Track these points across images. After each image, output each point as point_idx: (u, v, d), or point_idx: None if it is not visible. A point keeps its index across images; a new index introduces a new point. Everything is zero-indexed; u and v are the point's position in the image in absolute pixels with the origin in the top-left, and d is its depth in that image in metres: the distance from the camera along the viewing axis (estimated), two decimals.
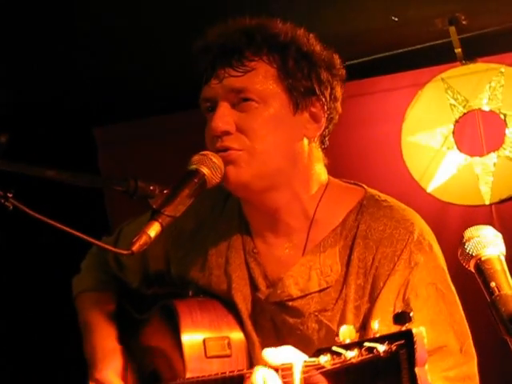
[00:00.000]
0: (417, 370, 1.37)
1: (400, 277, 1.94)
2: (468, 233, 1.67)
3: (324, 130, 2.13)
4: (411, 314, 1.42)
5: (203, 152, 2.05)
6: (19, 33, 3.75)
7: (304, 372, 1.60)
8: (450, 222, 4.21)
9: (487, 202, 4.19)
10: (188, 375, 2.06)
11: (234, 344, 2.12)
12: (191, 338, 2.09)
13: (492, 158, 4.19)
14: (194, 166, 2.00)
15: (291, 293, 2.07)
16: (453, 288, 2.07)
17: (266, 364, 1.73)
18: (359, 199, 2.12)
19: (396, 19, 3.92)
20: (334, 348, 1.50)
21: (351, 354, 1.47)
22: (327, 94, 2.08)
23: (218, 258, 2.20)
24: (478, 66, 4.23)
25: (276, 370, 1.70)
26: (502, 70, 4.19)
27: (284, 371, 1.67)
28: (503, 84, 4.18)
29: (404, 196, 4.27)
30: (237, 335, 2.14)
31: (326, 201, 2.11)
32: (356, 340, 1.50)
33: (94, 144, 4.86)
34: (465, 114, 4.26)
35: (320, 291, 2.06)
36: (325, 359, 1.53)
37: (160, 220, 1.86)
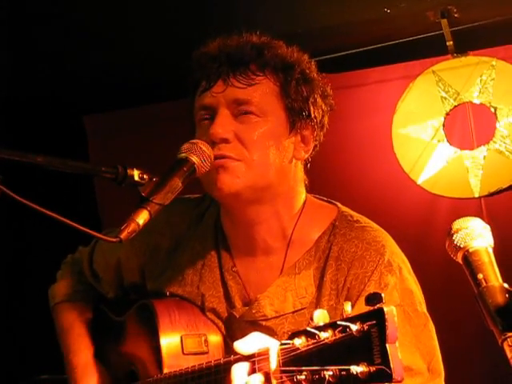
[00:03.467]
0: (388, 346, 1.41)
1: None
2: (456, 224, 1.67)
3: (310, 154, 2.20)
4: (382, 295, 1.45)
5: (193, 140, 2.05)
6: (10, 24, 3.74)
7: (281, 355, 1.62)
8: (440, 214, 4.22)
9: (476, 195, 4.20)
10: (165, 371, 2.10)
11: (211, 341, 2.15)
12: (168, 335, 2.13)
13: (482, 151, 4.20)
14: (183, 155, 2.01)
15: (266, 313, 2.12)
16: (419, 309, 2.11)
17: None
18: (332, 219, 2.17)
19: (388, 11, 3.92)
20: (309, 328, 1.54)
21: (325, 335, 1.50)
22: (319, 119, 2.17)
23: (193, 276, 2.24)
24: (470, 59, 4.23)
25: (252, 357, 1.72)
26: (494, 63, 4.19)
27: (260, 356, 1.70)
28: (494, 77, 4.18)
29: (394, 188, 4.35)
30: (214, 334, 2.18)
31: (302, 221, 2.17)
32: (329, 322, 1.53)
33: (84, 132, 4.84)
34: (455, 106, 4.26)
35: (294, 312, 2.10)
36: (299, 341, 1.56)
37: (149, 208, 1.86)
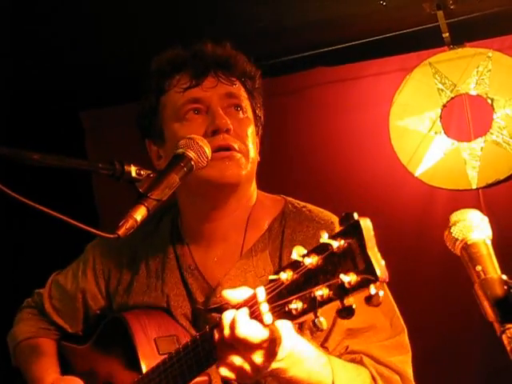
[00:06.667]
0: (369, 251, 1.45)
1: None
2: (454, 216, 1.66)
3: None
4: (355, 213, 1.50)
5: (190, 136, 2.06)
6: (6, 19, 3.72)
7: (267, 294, 1.63)
8: (437, 206, 4.23)
9: (474, 187, 4.21)
10: (145, 371, 2.12)
11: (183, 341, 2.15)
12: (142, 339, 2.18)
13: (479, 142, 4.21)
14: (180, 150, 2.01)
15: None
16: None
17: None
18: (281, 207, 2.31)
19: (384, 3, 3.91)
20: (294, 258, 1.57)
21: (309, 261, 1.54)
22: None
23: (156, 282, 2.32)
24: (466, 50, 4.24)
25: (239, 306, 1.73)
26: (490, 54, 4.20)
27: (247, 303, 1.71)
28: (490, 69, 4.19)
29: (391, 180, 4.36)
30: (184, 333, 2.22)
31: (254, 210, 2.29)
32: (311, 247, 1.57)
33: (81, 128, 4.84)
34: (452, 98, 4.27)
35: None
36: (285, 275, 1.59)
37: (146, 204, 1.85)
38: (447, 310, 4.09)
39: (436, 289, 4.13)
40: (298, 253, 1.58)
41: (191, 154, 1.99)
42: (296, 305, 1.56)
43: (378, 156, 4.40)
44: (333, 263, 1.49)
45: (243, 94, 2.25)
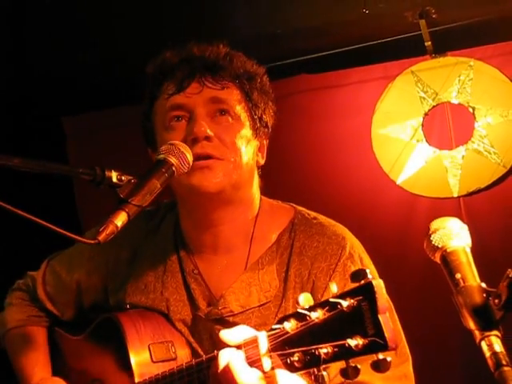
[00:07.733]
0: (380, 317, 1.43)
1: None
2: (434, 224, 1.67)
3: (263, 162, 2.27)
4: (367, 270, 1.47)
5: (171, 142, 2.05)
6: None
7: (269, 341, 1.61)
8: (419, 214, 4.23)
9: (455, 195, 4.22)
10: (137, 380, 2.09)
11: (179, 347, 2.17)
12: (136, 345, 2.14)
13: (460, 151, 4.22)
14: (162, 156, 2.01)
15: (232, 309, 2.15)
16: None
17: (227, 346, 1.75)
18: (290, 218, 2.25)
19: (367, 12, 3.93)
20: (299, 310, 1.54)
21: (316, 315, 1.51)
22: (270, 130, 2.27)
23: (155, 283, 2.28)
24: (448, 59, 4.26)
25: (239, 347, 1.72)
26: (471, 63, 4.22)
27: (247, 346, 1.69)
28: (472, 78, 4.21)
29: (373, 188, 4.37)
30: (180, 339, 2.20)
31: (261, 220, 2.23)
32: (318, 302, 1.54)
33: (62, 134, 4.81)
34: (434, 106, 4.29)
35: (260, 306, 2.14)
36: (289, 325, 1.56)
37: (127, 209, 1.85)
38: (427, 317, 4.10)
39: (416, 296, 4.14)
40: (305, 302, 1.55)
41: (172, 159, 1.99)
42: (299, 358, 1.54)
43: (359, 164, 4.41)
44: (341, 322, 1.47)
45: (235, 98, 2.17)
